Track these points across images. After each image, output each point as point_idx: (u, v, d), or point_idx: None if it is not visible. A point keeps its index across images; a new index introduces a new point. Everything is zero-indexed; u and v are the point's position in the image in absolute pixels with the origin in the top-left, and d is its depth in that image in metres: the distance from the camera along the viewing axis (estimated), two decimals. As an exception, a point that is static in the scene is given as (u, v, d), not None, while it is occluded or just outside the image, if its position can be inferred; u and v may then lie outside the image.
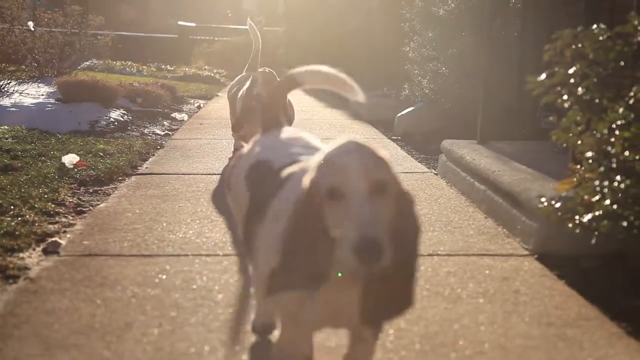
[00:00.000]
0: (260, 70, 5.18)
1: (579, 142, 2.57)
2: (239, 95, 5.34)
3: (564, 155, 4.01)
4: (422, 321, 2.36)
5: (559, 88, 2.64)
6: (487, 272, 2.89)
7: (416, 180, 4.81)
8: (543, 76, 2.65)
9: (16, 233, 3.21)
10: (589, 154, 2.49)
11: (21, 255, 3.01)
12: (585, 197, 2.53)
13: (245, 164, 2.06)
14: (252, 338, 2.21)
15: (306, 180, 1.59)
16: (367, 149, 1.57)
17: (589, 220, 2.51)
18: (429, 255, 3.10)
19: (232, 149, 5.84)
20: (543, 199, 2.81)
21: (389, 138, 7.18)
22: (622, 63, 2.54)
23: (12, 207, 3.63)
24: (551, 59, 2.71)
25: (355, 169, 1.51)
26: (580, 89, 2.57)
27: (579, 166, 2.65)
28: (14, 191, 3.92)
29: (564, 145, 2.72)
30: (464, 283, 2.74)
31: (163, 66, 18.30)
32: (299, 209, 1.58)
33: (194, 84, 14.86)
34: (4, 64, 8.78)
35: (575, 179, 2.63)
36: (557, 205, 2.73)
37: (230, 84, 6.07)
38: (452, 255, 3.10)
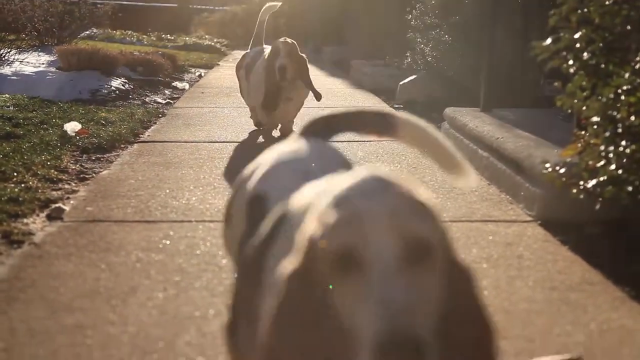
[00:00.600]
0: (280, 40, 4.89)
1: (584, 107, 2.56)
2: (255, 68, 5.10)
3: (568, 122, 4.00)
4: (426, 286, 2.37)
5: (564, 53, 2.62)
6: (490, 238, 2.89)
7: (419, 148, 4.79)
8: (548, 41, 2.63)
9: (20, 199, 3.21)
10: (594, 119, 2.48)
11: (25, 221, 3.02)
12: (590, 162, 2.52)
13: (244, 194, 1.50)
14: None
15: (303, 236, 1.03)
16: (399, 187, 1.00)
17: (593, 185, 2.51)
18: (432, 221, 3.10)
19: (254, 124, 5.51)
20: (547, 165, 2.81)
21: (390, 107, 7.16)
22: (628, 27, 2.52)
23: (15, 174, 3.63)
24: (556, 24, 2.69)
25: (379, 220, 0.96)
26: (585, 54, 2.56)
27: (583, 132, 2.64)
28: (16, 158, 3.91)
29: (569, 111, 2.71)
30: (467, 249, 2.75)
31: (163, 35, 18.20)
32: (290, 284, 1.01)
33: (194, 53, 14.80)
34: (4, 33, 8.76)
35: (579, 145, 2.63)
36: (562, 171, 2.73)
37: (243, 55, 5.74)
38: (456, 222, 3.11)
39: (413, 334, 0.90)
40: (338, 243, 0.96)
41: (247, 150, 4.62)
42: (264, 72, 4.89)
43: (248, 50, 5.62)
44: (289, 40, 4.86)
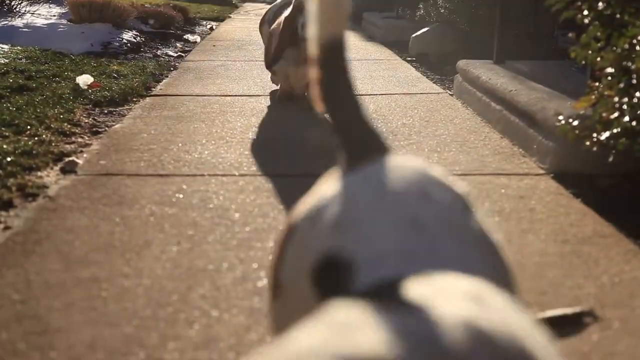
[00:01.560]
0: None
1: (599, 58, 2.53)
2: (277, 23, 4.48)
3: (581, 74, 3.97)
4: (438, 239, 2.37)
5: (579, 3, 2.59)
6: (502, 191, 2.89)
7: (431, 101, 4.77)
8: (563, -9, 2.60)
9: (33, 152, 3.23)
10: (609, 70, 2.46)
11: (39, 174, 3.03)
12: (604, 114, 2.51)
13: (306, 253, 0.90)
14: (269, 256, 2.23)
15: None
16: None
17: (606, 138, 2.50)
18: (445, 174, 3.10)
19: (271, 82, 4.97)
20: (560, 117, 2.79)
21: (403, 59, 7.11)
22: (644, -23, 2.49)
23: (28, 127, 3.64)
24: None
25: None
26: (600, 3, 2.52)
27: (597, 83, 2.62)
28: (29, 111, 3.92)
29: (583, 62, 2.68)
30: (479, 202, 2.75)
31: (174, -13, 18.01)
32: None
33: (206, 5, 14.70)
34: (14, -15, 8.70)
35: (593, 97, 2.61)
36: (575, 123, 2.71)
37: (269, 8, 4.95)
38: (468, 175, 3.10)
39: None
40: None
41: (259, 104, 4.61)
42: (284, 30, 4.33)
43: (275, 3, 4.97)
44: None
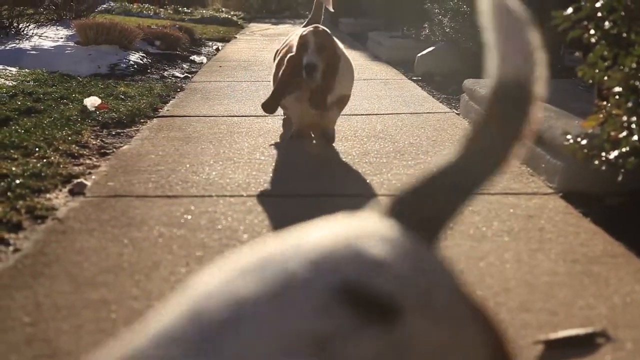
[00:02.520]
0: (309, 29, 3.82)
1: (606, 77, 2.53)
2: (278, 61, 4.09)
3: (588, 92, 3.97)
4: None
5: (585, 22, 2.59)
6: (511, 210, 2.88)
7: (438, 121, 4.78)
8: (569, 10, 2.60)
9: (42, 174, 3.24)
10: (616, 89, 2.46)
11: (48, 196, 3.04)
12: (612, 133, 2.50)
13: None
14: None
15: None
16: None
17: (615, 157, 2.49)
18: (453, 194, 3.09)
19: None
20: (569, 137, 2.79)
21: (409, 79, 7.13)
22: (651, -4, 2.49)
23: (37, 149, 3.65)
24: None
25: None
26: (607, 23, 2.53)
27: (605, 102, 2.62)
28: (38, 133, 3.94)
29: (590, 81, 2.68)
30: (488, 222, 2.74)
31: (180, 8, 18.19)
32: None
33: (211, 26, 14.78)
34: (22, 7, 8.77)
35: (601, 116, 2.61)
36: (583, 142, 2.71)
37: (285, 40, 4.41)
38: (476, 195, 3.09)
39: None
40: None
41: (266, 125, 4.62)
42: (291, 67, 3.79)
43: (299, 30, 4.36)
44: (320, 29, 3.82)
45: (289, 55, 3.81)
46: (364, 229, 0.84)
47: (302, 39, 3.73)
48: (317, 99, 3.71)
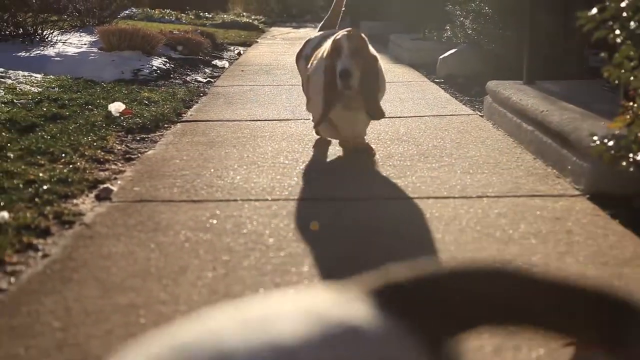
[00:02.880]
0: (343, 32, 3.57)
1: (632, 78, 2.51)
2: (317, 65, 3.77)
3: (614, 93, 3.94)
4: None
5: (610, 23, 2.57)
6: (538, 212, 2.86)
7: (461, 123, 4.76)
8: (594, 11, 2.58)
9: (69, 180, 3.27)
10: (644, 90, 2.44)
11: (75, 201, 3.06)
12: (639, 134, 2.48)
13: None
14: (305, 281, 2.23)
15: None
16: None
17: (643, 158, 2.47)
18: (478, 197, 3.08)
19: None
20: (595, 138, 2.77)
21: (431, 81, 7.11)
22: (678, -5, 2.47)
23: (63, 154, 3.68)
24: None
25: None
26: (633, 23, 2.50)
27: (631, 103, 2.60)
28: (64, 139, 3.97)
29: (616, 82, 2.66)
30: (515, 224, 2.73)
31: (201, 14, 18.27)
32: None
33: (232, 30, 14.83)
34: (46, 14, 8.85)
35: (628, 116, 2.59)
36: (610, 143, 2.69)
37: (306, 41, 4.39)
38: (502, 197, 3.08)
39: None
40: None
41: (289, 129, 4.63)
42: (322, 75, 3.63)
43: (315, 34, 4.42)
44: (354, 32, 3.59)
45: (324, 64, 3.61)
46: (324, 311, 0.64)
47: (335, 44, 3.52)
48: (372, 107, 3.59)
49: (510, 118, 4.38)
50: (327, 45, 3.68)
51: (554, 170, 3.49)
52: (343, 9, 4.65)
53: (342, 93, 3.52)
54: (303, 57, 4.23)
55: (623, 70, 2.56)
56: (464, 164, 3.62)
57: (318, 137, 4.17)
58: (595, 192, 3.08)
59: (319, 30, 4.51)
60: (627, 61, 2.55)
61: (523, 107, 4.14)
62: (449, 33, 7.82)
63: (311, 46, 4.16)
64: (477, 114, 5.16)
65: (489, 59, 6.75)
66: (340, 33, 3.55)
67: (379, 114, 3.62)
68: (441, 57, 7.44)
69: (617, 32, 2.56)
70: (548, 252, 2.44)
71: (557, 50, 5.72)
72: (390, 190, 3.25)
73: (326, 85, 3.56)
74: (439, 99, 5.90)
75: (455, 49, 7.36)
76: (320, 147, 4.08)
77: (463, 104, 5.64)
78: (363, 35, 3.61)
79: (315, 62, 3.81)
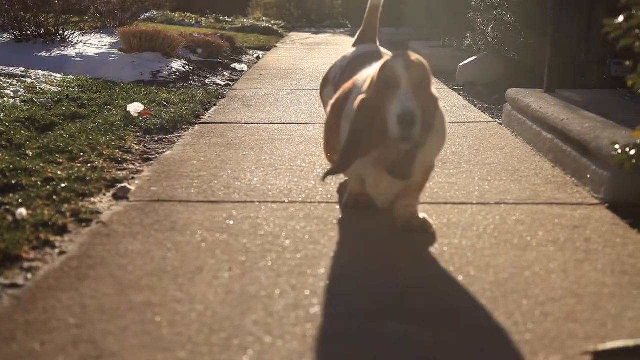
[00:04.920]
0: (399, 55, 2.48)
1: (656, 87, 2.49)
2: (348, 93, 2.73)
3: (635, 102, 3.91)
4: (491, 269, 2.34)
5: (637, 31, 2.55)
6: (556, 220, 2.84)
7: (480, 130, 4.74)
8: (620, 19, 2.56)
9: (87, 179, 3.28)
10: (668, 99, 2.41)
11: (92, 200, 3.07)
12: (662, 143, 2.45)
13: None
14: (321, 283, 2.22)
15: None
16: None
17: (665, 167, 2.44)
18: (496, 203, 3.06)
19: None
20: (617, 147, 2.74)
21: (450, 88, 7.09)
22: None
23: (81, 153, 3.70)
24: (629, 2, 2.62)
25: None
26: (659, 32, 2.48)
27: (655, 112, 2.57)
28: (82, 138, 3.99)
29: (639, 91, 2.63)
30: (533, 231, 2.71)
31: (221, 17, 18.35)
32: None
33: (252, 35, 14.87)
34: (67, 15, 8.91)
35: (650, 126, 2.56)
36: (632, 152, 2.66)
37: (335, 63, 3.36)
38: (520, 204, 3.06)
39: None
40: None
41: (307, 132, 4.62)
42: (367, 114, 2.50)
43: (344, 55, 3.34)
44: (414, 56, 2.49)
45: (361, 98, 2.53)
46: None
47: (387, 72, 2.45)
48: (402, 164, 2.50)
49: (529, 126, 4.35)
50: (369, 70, 2.67)
51: (573, 179, 3.47)
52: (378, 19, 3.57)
53: (389, 145, 2.47)
54: (330, 81, 3.29)
55: (647, 79, 2.53)
56: (482, 171, 3.60)
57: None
58: (615, 201, 3.06)
59: (353, 46, 3.48)
60: (651, 70, 2.52)
61: (543, 115, 4.11)
62: (470, 41, 7.80)
63: (340, 68, 3.19)
64: (496, 121, 5.14)
65: (509, 67, 6.73)
66: (395, 56, 2.49)
67: (402, 173, 2.51)
68: (461, 64, 7.42)
69: (642, 40, 2.53)
70: (566, 259, 2.42)
71: (578, 59, 5.68)
72: (407, 195, 3.23)
73: (360, 126, 2.50)
74: (458, 106, 5.88)
75: (476, 57, 7.35)
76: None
77: (482, 112, 5.62)
78: (425, 63, 2.52)
79: (351, 91, 2.72)
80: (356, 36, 3.59)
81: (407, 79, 2.40)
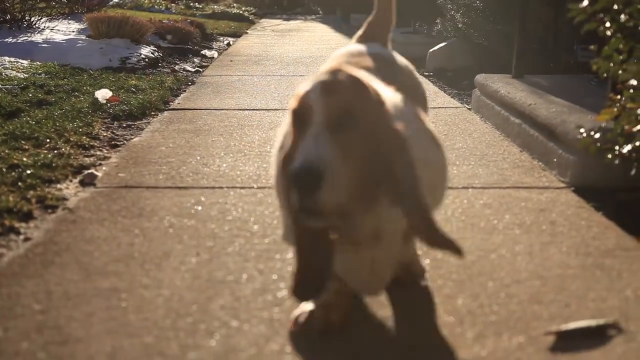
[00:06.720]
0: (322, 74, 1.59)
1: (621, 71, 2.51)
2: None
3: (601, 87, 3.95)
4: (458, 251, 2.35)
5: (601, 15, 2.57)
6: (523, 204, 2.87)
7: (449, 115, 4.76)
8: (585, 3, 2.58)
9: (53, 165, 3.24)
10: (632, 82, 2.44)
11: (59, 186, 3.04)
12: (626, 127, 2.49)
13: None
14: (288, 267, 2.22)
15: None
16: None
17: (629, 150, 2.48)
18: (464, 187, 3.08)
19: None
20: (582, 130, 2.77)
21: (420, 74, 7.10)
22: (667, -12, 2.47)
23: (48, 140, 3.66)
24: (593, -14, 2.64)
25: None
26: (623, 15, 2.50)
27: (619, 96, 2.60)
28: (49, 125, 3.94)
29: (605, 75, 2.66)
30: (499, 215, 2.73)
31: (192, 4, 18.22)
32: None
33: (222, 21, 14.79)
34: (34, 1, 8.79)
35: (615, 109, 2.59)
36: (597, 136, 2.69)
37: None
38: (487, 188, 3.08)
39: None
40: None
41: (277, 118, 4.61)
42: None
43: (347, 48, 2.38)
44: (348, 74, 1.58)
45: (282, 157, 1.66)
46: None
47: (299, 103, 1.57)
48: (419, 221, 1.58)
49: (498, 111, 4.38)
50: None
51: (540, 163, 3.50)
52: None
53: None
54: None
55: (612, 63, 2.56)
56: (451, 156, 3.61)
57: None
58: (580, 185, 3.09)
59: (356, 42, 2.48)
60: (616, 54, 2.55)
61: (511, 100, 4.14)
62: (440, 27, 7.82)
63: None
64: (465, 106, 5.16)
65: (479, 52, 6.75)
66: (318, 75, 1.61)
67: (439, 240, 1.58)
68: (431, 50, 7.44)
69: (607, 24, 2.56)
70: (531, 242, 2.44)
71: (546, 45, 5.72)
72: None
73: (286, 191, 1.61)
74: (428, 91, 5.89)
75: (445, 43, 7.37)
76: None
77: (451, 97, 5.65)
78: (364, 79, 1.60)
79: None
80: (363, 29, 2.53)
81: (321, 113, 1.51)
